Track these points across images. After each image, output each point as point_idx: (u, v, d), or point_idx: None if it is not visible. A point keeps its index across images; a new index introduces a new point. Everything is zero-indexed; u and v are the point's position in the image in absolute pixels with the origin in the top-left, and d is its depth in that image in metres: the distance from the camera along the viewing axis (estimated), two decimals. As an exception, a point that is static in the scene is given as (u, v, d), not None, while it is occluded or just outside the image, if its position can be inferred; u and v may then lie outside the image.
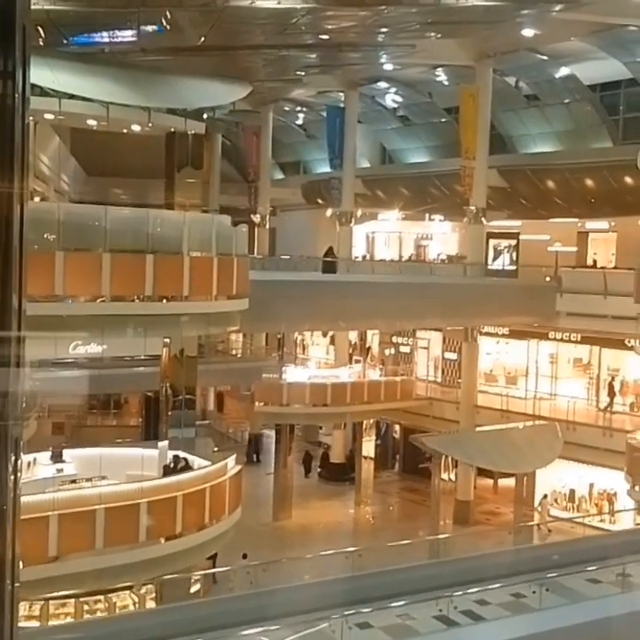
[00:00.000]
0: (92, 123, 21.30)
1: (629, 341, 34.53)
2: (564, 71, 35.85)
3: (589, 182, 34.70)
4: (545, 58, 34.57)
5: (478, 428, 32.35)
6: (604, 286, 31.83)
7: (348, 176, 41.63)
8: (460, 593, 13.71)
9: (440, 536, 26.26)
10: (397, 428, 44.46)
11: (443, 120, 42.54)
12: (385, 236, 50.15)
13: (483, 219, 35.82)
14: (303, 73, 35.96)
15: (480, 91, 34.80)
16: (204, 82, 21.00)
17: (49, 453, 18.95)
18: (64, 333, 15.53)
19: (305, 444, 45.31)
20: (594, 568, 15.62)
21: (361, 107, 43.04)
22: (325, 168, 48.28)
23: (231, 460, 19.42)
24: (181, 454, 19.28)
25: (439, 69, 38.03)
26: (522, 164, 36.99)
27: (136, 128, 21.97)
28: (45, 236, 15.13)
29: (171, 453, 19.22)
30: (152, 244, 16.46)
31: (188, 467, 18.66)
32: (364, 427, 41.09)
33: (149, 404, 35.30)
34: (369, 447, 43.41)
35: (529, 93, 38.74)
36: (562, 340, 37.25)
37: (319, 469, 41.94)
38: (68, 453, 19.22)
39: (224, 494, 18.30)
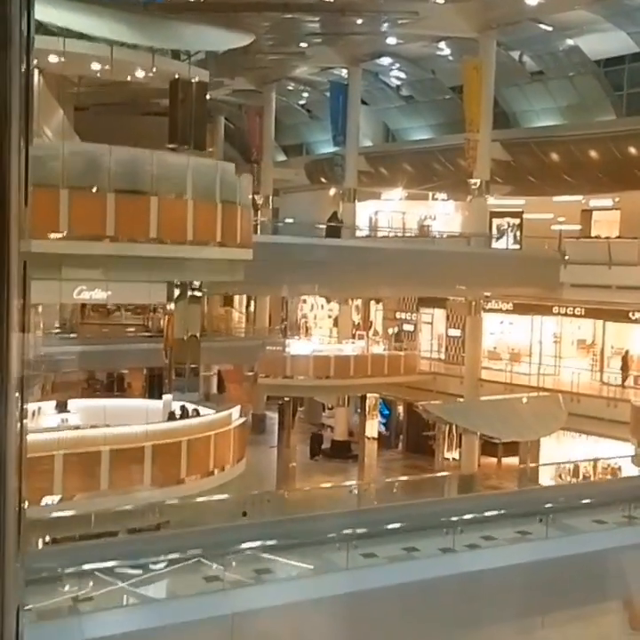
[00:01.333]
0: (95, 67, 21.21)
1: (633, 314, 34.47)
2: (568, 43, 35.76)
3: (594, 154, 34.60)
4: (549, 29, 34.47)
5: (482, 398, 32.30)
6: (608, 256, 31.72)
7: (350, 152, 41.56)
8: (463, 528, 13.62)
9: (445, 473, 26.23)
10: (401, 408, 44.46)
11: (446, 97, 42.44)
12: (388, 216, 50.04)
13: (486, 193, 35.71)
14: (306, 45, 35.88)
15: (483, 63, 34.69)
16: (207, 27, 20.99)
17: (54, 403, 18.91)
18: (68, 272, 15.46)
19: (308, 426, 45.29)
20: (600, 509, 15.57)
21: (364, 85, 42.95)
22: (329, 148, 48.19)
23: (236, 411, 19.37)
24: (188, 405, 19.25)
25: (442, 43, 37.95)
26: (525, 136, 36.89)
27: (140, 74, 21.88)
28: (49, 174, 15.06)
29: (177, 404, 19.17)
30: (156, 186, 16.40)
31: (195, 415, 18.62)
32: (367, 407, 41.06)
33: (153, 385, 35.26)
34: (372, 426, 43.36)
35: (533, 68, 38.66)
36: (565, 314, 37.19)
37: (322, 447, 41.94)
38: (72, 404, 19.17)
39: (229, 443, 18.25)
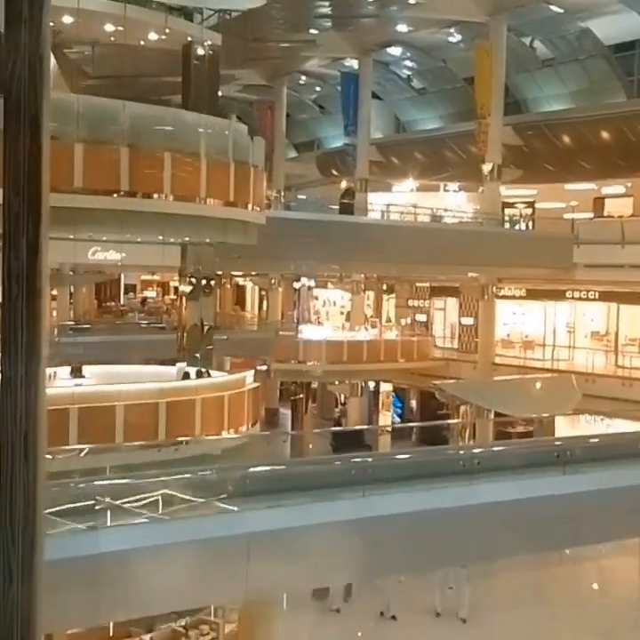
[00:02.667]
0: (109, 29, 21.33)
1: (649, 295, 34.31)
2: (579, 26, 35.77)
3: (606, 135, 34.56)
4: (560, 11, 34.50)
5: (497, 377, 32.21)
6: (621, 236, 31.64)
7: (362, 142, 41.65)
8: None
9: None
10: (414, 401, 44.35)
11: (457, 86, 42.46)
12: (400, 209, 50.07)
13: (498, 178, 35.69)
14: (316, 31, 36.03)
15: (494, 47, 34.76)
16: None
17: (68, 368, 18.94)
18: (82, 229, 15.54)
19: (320, 421, 45.21)
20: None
21: (375, 77, 43.08)
22: (340, 143, 48.31)
23: (249, 376, 19.37)
24: (202, 370, 19.24)
25: (452, 29, 38.03)
26: (537, 120, 36.88)
27: (153, 37, 21.98)
28: (64, 127, 15.15)
29: (192, 369, 19.17)
30: (170, 142, 16.48)
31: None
32: (381, 400, 41.03)
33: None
34: (386, 418, 43.24)
35: (543, 55, 38.68)
36: (579, 298, 37.04)
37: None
38: (87, 369, 19.21)
39: (243, 404, 18.23)
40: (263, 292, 56.05)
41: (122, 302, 62.90)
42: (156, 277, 66.46)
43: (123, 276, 63.41)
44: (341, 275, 36.33)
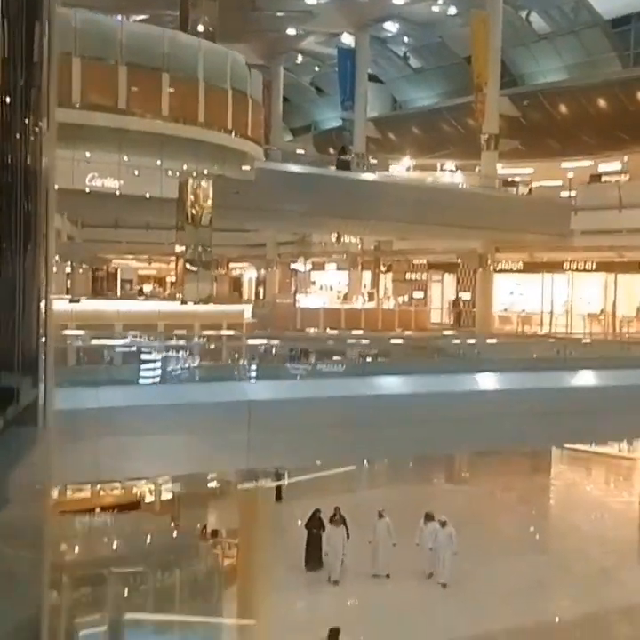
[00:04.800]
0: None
1: (646, 262, 34.28)
2: (576, -1, 35.88)
3: (603, 104, 34.60)
4: (556, -19, 34.60)
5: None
6: (619, 200, 31.65)
7: (359, 117, 41.65)
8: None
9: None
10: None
11: (455, 62, 42.52)
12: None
13: (495, 148, 35.67)
14: (313, 1, 36.07)
15: (491, 16, 34.81)
16: None
17: (68, 298, 18.88)
18: (81, 149, 15.45)
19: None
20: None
21: (372, 56, 43.15)
22: (337, 123, 48.34)
23: (248, 310, 19.32)
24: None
25: (449, 2, 38.10)
26: (534, 90, 36.92)
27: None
28: (62, 42, 15.08)
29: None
30: (167, 63, 16.44)
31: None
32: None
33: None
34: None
35: (540, 28, 38.74)
36: (577, 270, 37.02)
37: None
38: (85, 301, 19.15)
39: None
40: (261, 275, 55.90)
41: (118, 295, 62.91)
42: (152, 272, 66.36)
43: (120, 270, 63.40)
44: (339, 237, 36.18)
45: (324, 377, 11.10)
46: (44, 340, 3.60)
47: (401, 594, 17.90)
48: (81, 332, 11.87)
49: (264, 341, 11.61)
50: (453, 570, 18.02)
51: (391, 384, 11.07)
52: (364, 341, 12.25)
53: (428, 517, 19.15)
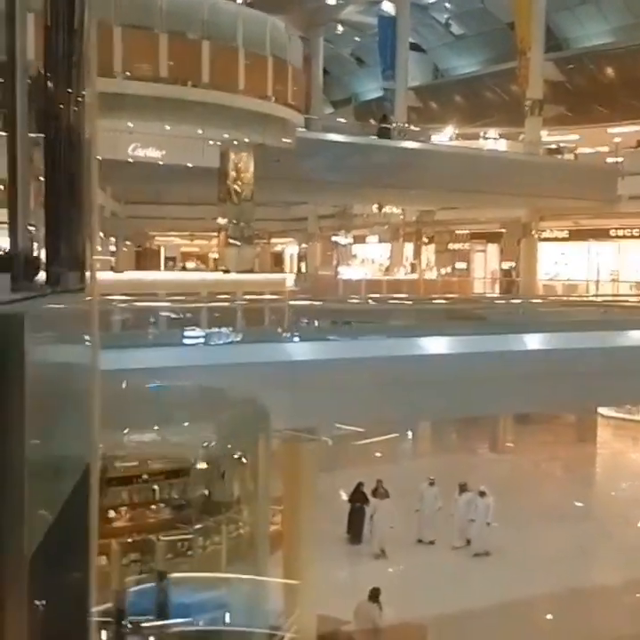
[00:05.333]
0: None
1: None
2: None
3: (650, 66, 33.77)
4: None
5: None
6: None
7: (400, 87, 41.17)
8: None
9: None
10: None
11: (497, 28, 41.78)
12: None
13: (539, 114, 35.06)
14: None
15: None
16: None
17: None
18: (123, 114, 15.48)
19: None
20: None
21: (413, 24, 42.56)
22: (377, 94, 47.91)
23: (290, 278, 19.35)
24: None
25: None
26: (579, 53, 36.15)
27: None
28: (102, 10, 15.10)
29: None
30: (207, 31, 16.39)
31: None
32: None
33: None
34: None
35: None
36: (624, 237, 36.37)
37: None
38: (127, 273, 19.30)
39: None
40: (302, 249, 55.86)
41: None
42: (195, 250, 66.68)
43: (163, 248, 63.82)
44: (380, 208, 35.91)
45: (366, 338, 11.07)
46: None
47: (443, 560, 17.96)
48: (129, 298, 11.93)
49: (307, 303, 11.60)
50: (490, 539, 17.99)
51: (434, 345, 11.00)
52: (406, 302, 12.14)
53: (463, 488, 19.08)
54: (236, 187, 20.02)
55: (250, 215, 22.94)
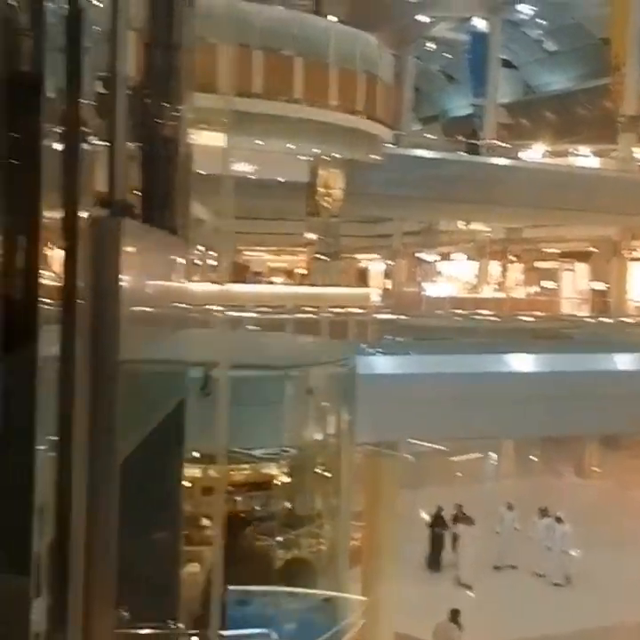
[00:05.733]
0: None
1: None
2: None
3: None
4: None
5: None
6: None
7: (490, 103, 40.88)
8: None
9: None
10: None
11: (591, 43, 41.06)
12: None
13: (635, 131, 34.25)
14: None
15: (631, -6, 33.43)
16: None
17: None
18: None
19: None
20: None
21: (504, 40, 42.24)
22: (466, 111, 47.69)
23: (374, 293, 19.37)
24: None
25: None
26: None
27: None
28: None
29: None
30: (299, 46, 16.61)
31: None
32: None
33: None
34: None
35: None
36: None
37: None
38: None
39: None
40: (387, 266, 55.77)
41: (247, 285, 64.03)
42: (283, 265, 67.27)
43: (251, 262, 64.62)
44: (467, 225, 35.61)
45: (449, 353, 10.99)
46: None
47: (523, 586, 17.55)
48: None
49: (391, 318, 11.61)
50: (571, 566, 17.48)
51: (518, 362, 10.84)
52: (491, 320, 12.02)
53: (543, 513, 18.57)
54: (324, 202, 20.18)
55: (336, 231, 23.10)
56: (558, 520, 17.91)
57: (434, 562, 18.43)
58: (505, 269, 40.58)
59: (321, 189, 20.23)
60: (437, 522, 18.57)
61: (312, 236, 23.30)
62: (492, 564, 18.29)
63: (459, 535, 18.04)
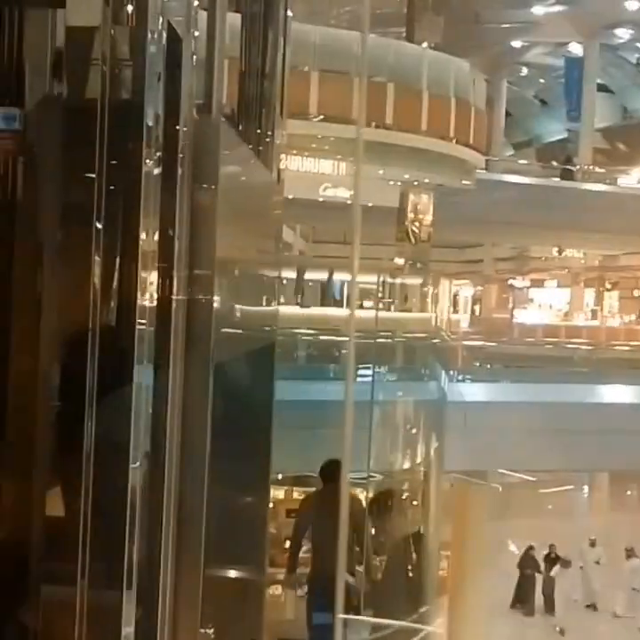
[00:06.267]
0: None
1: None
2: None
3: None
4: None
5: None
6: None
7: (586, 128, 40.13)
8: None
9: None
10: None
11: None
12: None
13: None
14: (540, 9, 35.29)
15: None
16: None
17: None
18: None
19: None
20: None
21: (601, 63, 41.51)
22: (560, 136, 46.96)
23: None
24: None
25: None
26: None
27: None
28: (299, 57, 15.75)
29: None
30: (392, 72, 16.71)
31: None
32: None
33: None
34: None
35: None
36: None
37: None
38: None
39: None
40: (477, 292, 55.21)
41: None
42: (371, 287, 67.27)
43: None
44: (560, 251, 34.95)
45: (540, 381, 10.78)
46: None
47: (606, 627, 16.90)
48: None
49: (480, 343, 11.49)
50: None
51: (613, 393, 10.55)
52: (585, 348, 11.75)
53: (629, 553, 17.78)
54: (413, 227, 20.12)
55: (426, 256, 22.96)
56: None
57: (524, 605, 17.69)
58: (601, 297, 39.62)
59: (410, 215, 20.19)
60: (527, 562, 17.78)
61: (401, 261, 23.26)
62: (577, 602, 17.68)
63: (553, 578, 17.34)
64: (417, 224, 21.09)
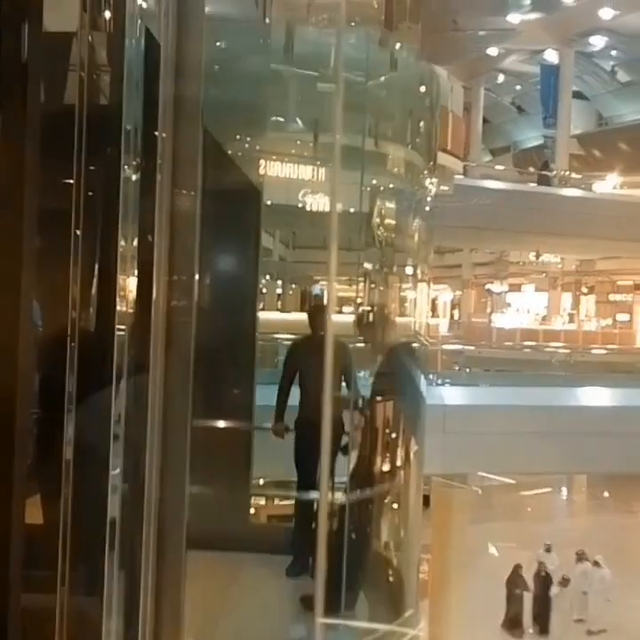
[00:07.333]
0: None
1: None
2: None
3: None
4: None
5: None
6: None
7: (562, 134, 40.48)
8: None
9: None
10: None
11: (667, 74, 40.52)
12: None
13: None
14: (516, 16, 35.57)
15: None
16: None
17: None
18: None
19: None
20: None
21: (577, 71, 41.91)
22: (537, 142, 47.35)
23: (444, 325, 19.19)
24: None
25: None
26: None
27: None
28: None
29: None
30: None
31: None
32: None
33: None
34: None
35: None
36: None
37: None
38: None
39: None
40: (456, 297, 55.47)
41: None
42: (350, 294, 67.37)
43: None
44: (537, 256, 35.20)
45: (518, 385, 10.86)
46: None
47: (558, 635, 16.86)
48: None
49: (460, 347, 11.56)
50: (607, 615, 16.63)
51: (591, 396, 10.64)
52: (561, 351, 11.85)
53: (580, 557, 17.68)
54: (378, 232, 20.15)
55: (391, 260, 22.89)
56: (596, 564, 17.14)
57: (513, 625, 17.49)
58: (577, 301, 39.95)
59: (376, 220, 20.23)
60: (514, 581, 17.14)
61: (369, 265, 23.25)
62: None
63: (549, 597, 17.13)
64: (382, 228, 21.13)
